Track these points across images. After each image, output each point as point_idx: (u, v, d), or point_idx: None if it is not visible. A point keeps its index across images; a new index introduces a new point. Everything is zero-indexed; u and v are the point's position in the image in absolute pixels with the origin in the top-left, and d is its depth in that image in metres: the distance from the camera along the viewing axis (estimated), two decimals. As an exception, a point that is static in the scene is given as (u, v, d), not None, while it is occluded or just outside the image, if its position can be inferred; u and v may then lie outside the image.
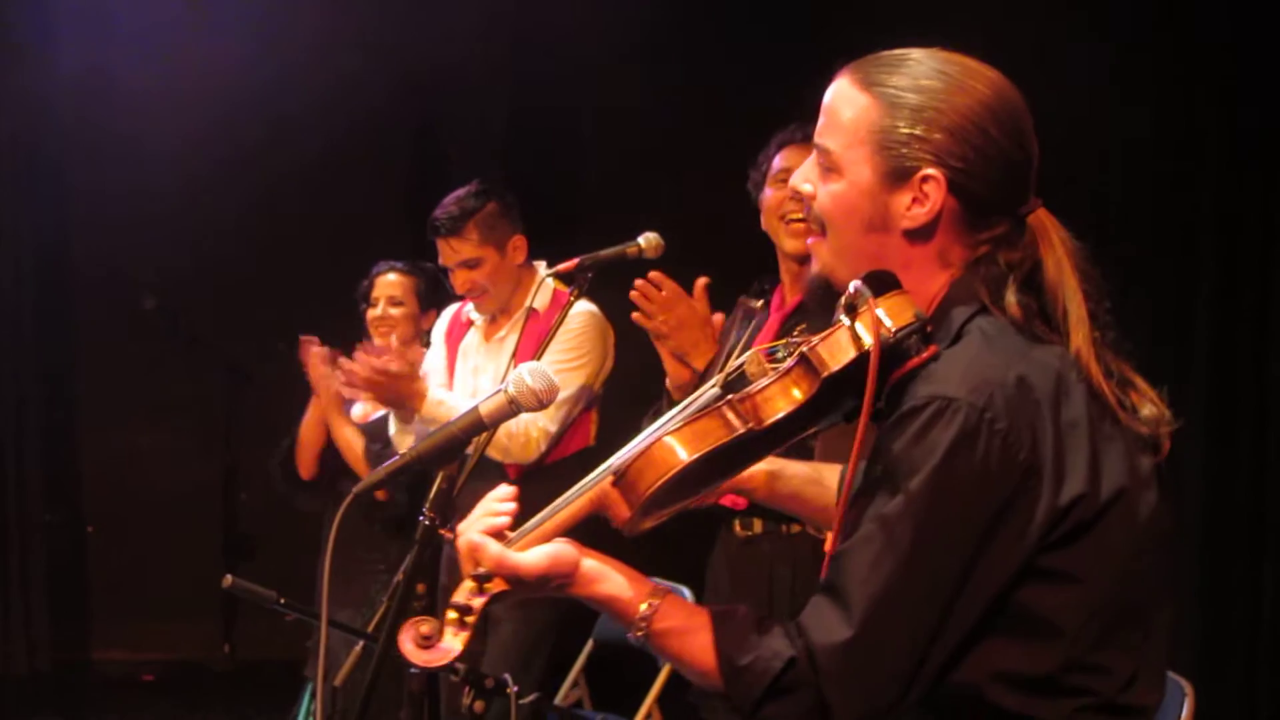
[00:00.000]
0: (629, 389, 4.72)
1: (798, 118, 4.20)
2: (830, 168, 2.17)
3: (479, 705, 3.02)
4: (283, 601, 3.08)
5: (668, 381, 4.12)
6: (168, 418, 8.59)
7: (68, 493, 8.76)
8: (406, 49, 7.91)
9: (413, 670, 3.54)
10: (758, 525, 4.18)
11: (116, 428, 8.64)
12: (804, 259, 4.05)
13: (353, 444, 5.30)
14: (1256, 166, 5.82)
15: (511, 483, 4.72)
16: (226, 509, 8.68)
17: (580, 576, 2.13)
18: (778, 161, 4.22)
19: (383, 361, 4.48)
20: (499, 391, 2.40)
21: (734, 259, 4.46)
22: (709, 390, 2.24)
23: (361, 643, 3.43)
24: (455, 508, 2.66)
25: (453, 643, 2.11)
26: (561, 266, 4.05)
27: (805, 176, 2.23)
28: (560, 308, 4.27)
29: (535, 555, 2.13)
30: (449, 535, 2.45)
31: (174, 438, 8.62)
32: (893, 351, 2.05)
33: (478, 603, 2.12)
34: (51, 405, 8.60)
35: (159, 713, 7.80)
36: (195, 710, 7.87)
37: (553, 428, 4.64)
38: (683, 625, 2.09)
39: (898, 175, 2.11)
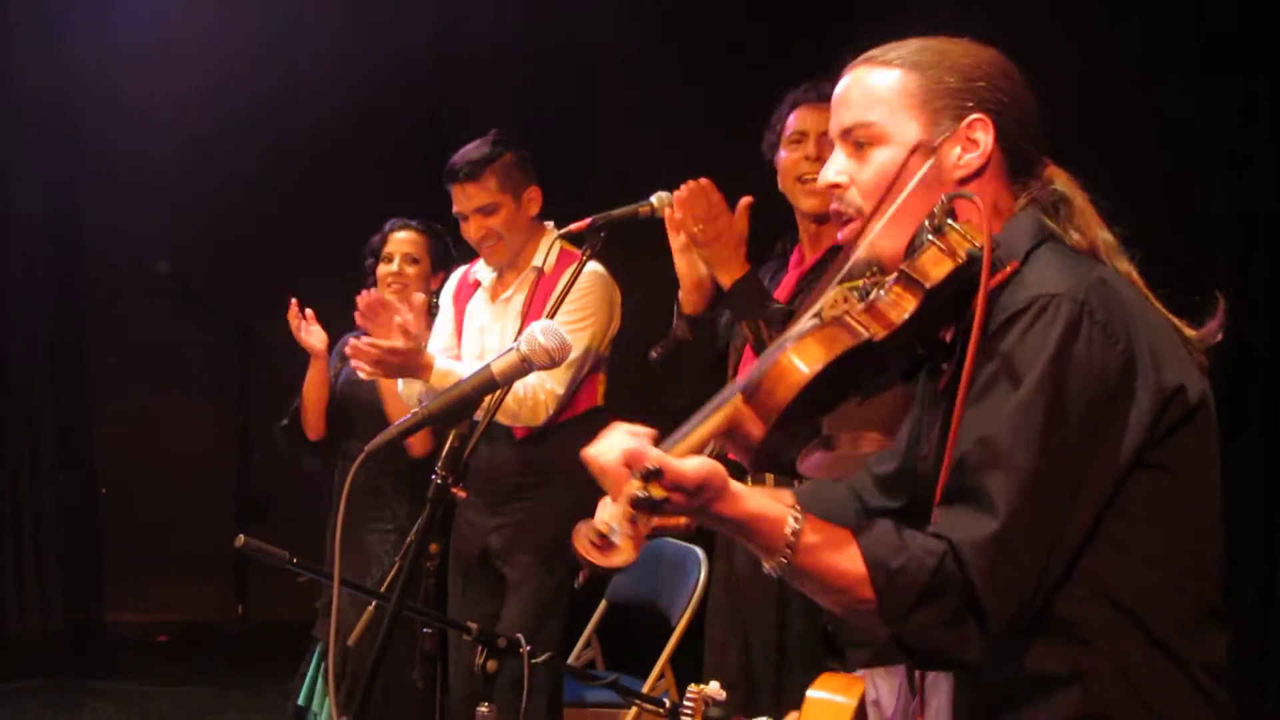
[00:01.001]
0: (637, 349, 4.70)
1: (810, 76, 4.18)
2: (870, 140, 2.21)
3: (492, 665, 3.02)
4: (295, 561, 3.06)
5: (680, 298, 4.06)
6: (180, 380, 8.61)
7: (81, 455, 8.79)
8: (417, 17, 7.93)
9: (425, 630, 3.56)
10: (769, 481, 4.20)
11: (129, 391, 8.66)
12: (821, 218, 4.04)
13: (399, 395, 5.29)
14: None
15: (518, 443, 4.77)
16: (239, 471, 8.71)
17: (731, 492, 2.07)
18: (792, 122, 4.19)
19: (390, 343, 4.48)
20: (511, 350, 2.39)
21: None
22: (806, 322, 2.19)
23: (374, 603, 3.42)
24: (467, 467, 2.66)
25: (629, 545, 1.99)
26: (573, 226, 4.03)
27: (835, 169, 2.26)
28: (567, 268, 4.26)
29: (695, 465, 2.03)
30: (461, 494, 2.45)
31: (186, 400, 8.64)
32: (977, 264, 2.07)
33: (650, 499, 1.99)
34: (64, 368, 8.62)
35: (172, 673, 7.82)
36: (208, 671, 7.89)
37: (560, 390, 4.63)
38: (829, 538, 2.07)
39: (945, 127, 2.17)
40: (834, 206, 2.27)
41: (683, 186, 3.91)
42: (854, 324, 2.09)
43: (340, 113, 7.96)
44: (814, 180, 3.91)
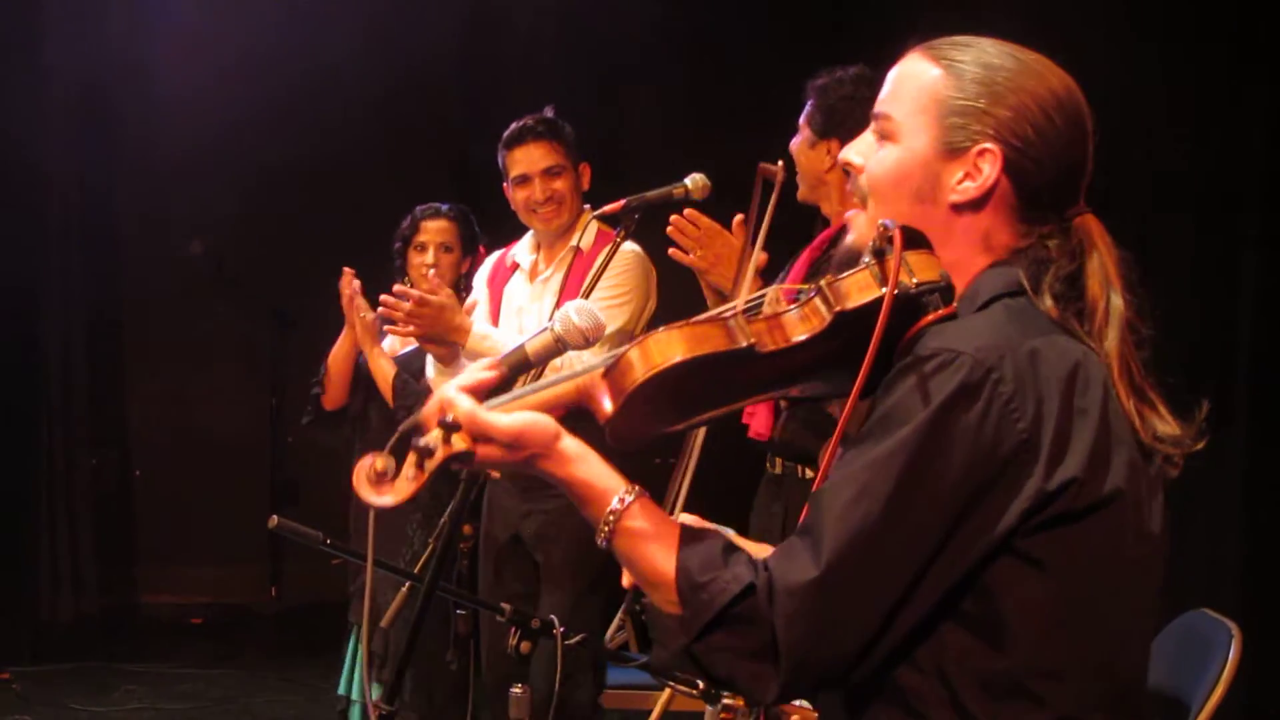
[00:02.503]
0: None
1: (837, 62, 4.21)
2: (886, 134, 2.12)
3: (525, 646, 3.01)
4: (329, 542, 3.06)
5: None
6: (213, 362, 8.64)
7: (114, 437, 8.82)
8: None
9: (459, 612, 3.55)
10: (779, 464, 4.23)
11: (163, 372, 8.69)
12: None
13: (385, 373, 5.31)
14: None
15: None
16: (273, 453, 8.73)
17: (558, 451, 2.01)
18: None
19: (424, 294, 4.46)
20: (545, 330, 2.37)
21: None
22: (724, 309, 2.16)
23: (407, 584, 3.41)
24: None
25: (405, 486, 1.95)
26: (608, 208, 4.04)
27: (857, 149, 2.18)
28: (604, 248, 4.26)
29: (510, 417, 1.99)
30: (495, 474, 2.44)
31: (220, 382, 8.68)
32: (910, 304, 1.99)
33: (440, 452, 1.95)
34: (99, 351, 8.65)
35: (205, 656, 7.85)
36: (241, 653, 7.91)
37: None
38: (652, 529, 1.99)
39: (954, 147, 2.06)
40: (849, 186, 2.23)
41: (671, 220, 4.01)
42: (737, 329, 2.00)
43: (374, 92, 7.97)
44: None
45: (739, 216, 4.00)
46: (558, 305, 4.23)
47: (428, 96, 8.24)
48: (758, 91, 4.94)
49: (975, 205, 2.06)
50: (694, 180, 3.93)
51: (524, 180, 4.80)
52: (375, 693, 4.19)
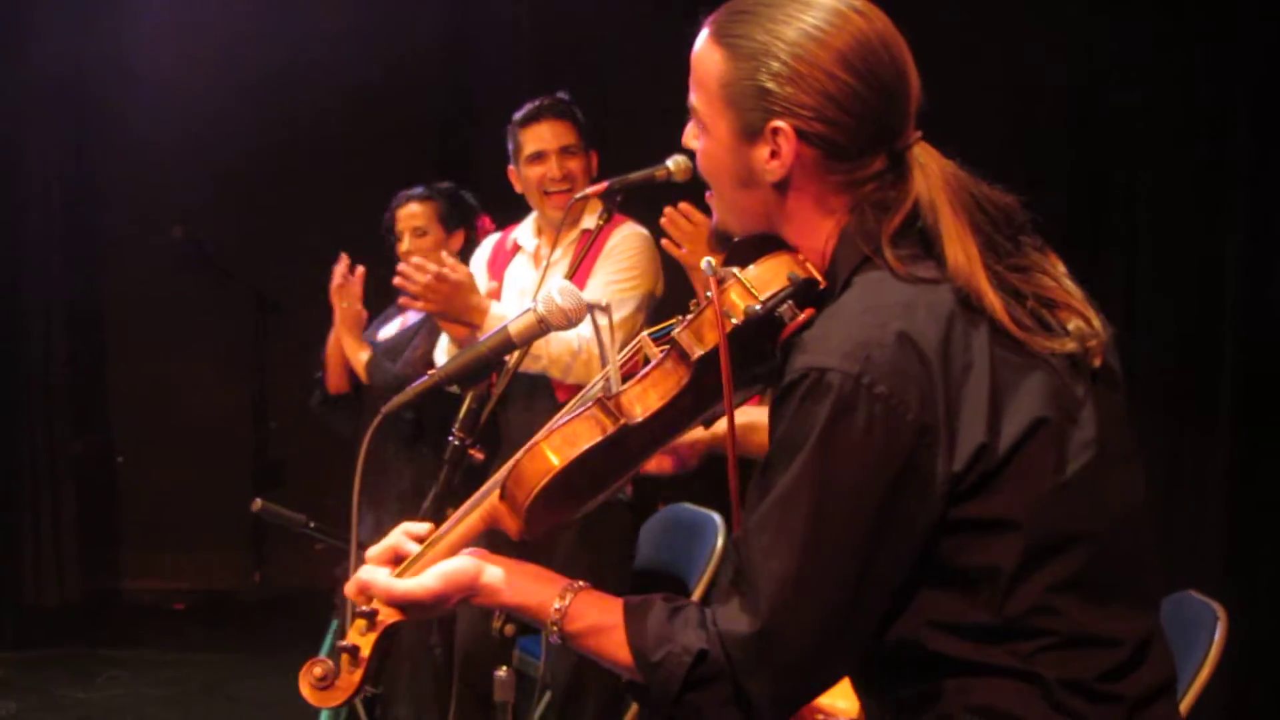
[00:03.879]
0: (659, 314, 4.68)
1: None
2: (699, 125, 2.13)
3: (509, 629, 3.00)
4: (312, 525, 3.05)
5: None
6: (196, 347, 8.61)
7: (97, 423, 8.79)
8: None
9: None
10: None
11: (145, 358, 8.66)
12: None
13: (359, 359, 5.32)
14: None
15: (560, 404, 4.73)
16: (256, 438, 8.72)
17: (483, 587, 2.09)
18: None
19: (441, 269, 4.42)
20: (528, 310, 2.35)
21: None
22: (596, 382, 2.19)
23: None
24: (504, 430, 2.62)
25: (349, 680, 2.08)
26: (590, 190, 4.02)
27: (689, 133, 2.17)
28: (613, 231, 4.50)
29: (427, 576, 2.10)
30: (479, 455, 2.43)
31: (203, 367, 8.65)
32: (767, 321, 1.99)
33: (367, 642, 2.07)
34: (80, 335, 8.61)
35: (189, 642, 7.83)
36: (226, 639, 7.90)
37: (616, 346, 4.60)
38: (595, 624, 2.03)
39: (750, 130, 2.05)
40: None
41: (665, 212, 4.01)
42: (603, 415, 2.05)
43: (356, 77, 7.93)
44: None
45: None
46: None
47: (412, 80, 8.20)
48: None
49: (792, 179, 2.05)
50: (676, 162, 3.91)
51: (539, 157, 4.78)
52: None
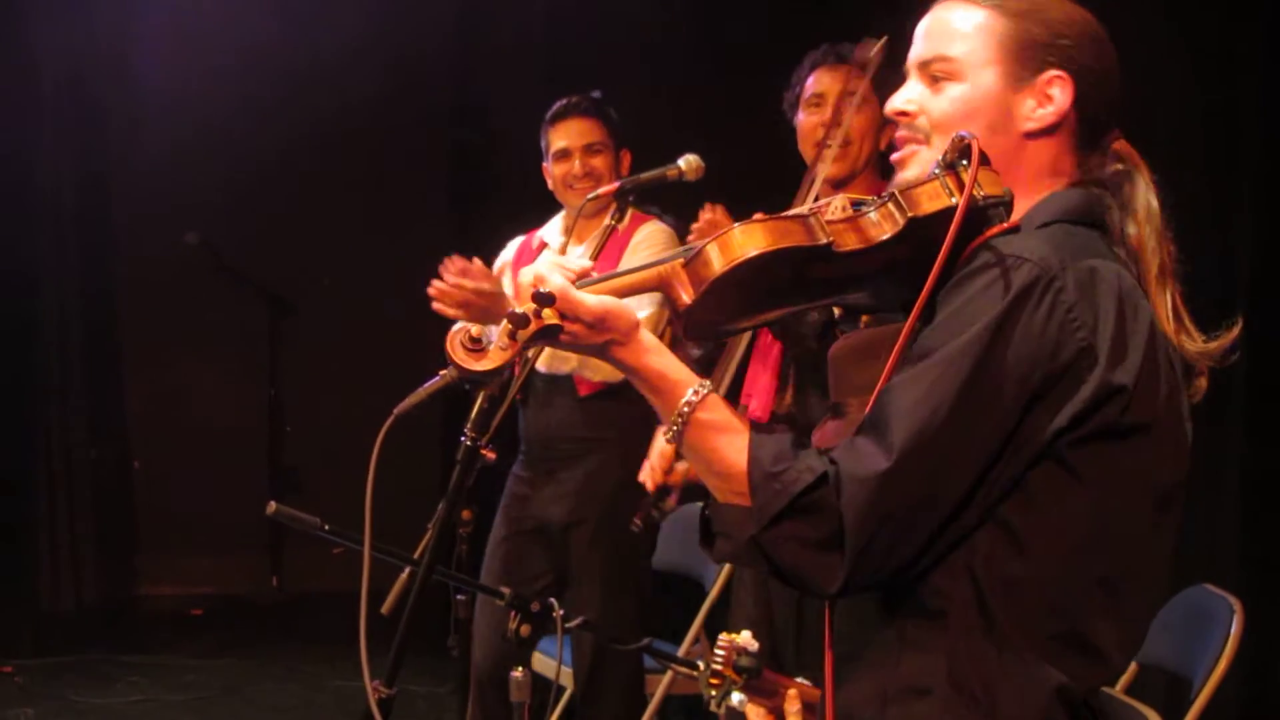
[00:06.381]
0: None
1: (829, 36, 4.18)
2: (946, 75, 2.18)
3: (525, 629, 3.01)
4: (327, 528, 3.05)
5: None
6: (212, 352, 8.63)
7: (113, 429, 8.80)
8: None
9: (459, 597, 3.54)
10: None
11: (161, 363, 8.68)
12: (840, 183, 4.04)
13: None
14: None
15: (583, 401, 4.75)
16: (272, 443, 8.73)
17: (636, 340, 2.07)
18: (810, 84, 4.21)
19: (477, 283, 4.43)
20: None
21: (772, 181, 4.41)
22: (797, 210, 2.16)
23: (407, 569, 3.40)
24: (521, 429, 2.61)
25: (498, 355, 2.01)
26: (602, 190, 4.06)
27: (904, 96, 2.23)
28: (638, 228, 4.61)
29: (598, 299, 2.05)
30: (490, 455, 2.43)
31: (218, 372, 8.67)
32: (976, 216, 2.02)
33: (532, 323, 2.00)
34: (96, 341, 8.62)
35: (208, 647, 7.83)
36: (243, 644, 7.90)
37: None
38: (724, 421, 2.04)
39: (1023, 78, 2.15)
40: (901, 134, 2.25)
41: (700, 215, 4.02)
42: (816, 226, 2.05)
43: (367, 83, 7.94)
44: (832, 146, 3.94)
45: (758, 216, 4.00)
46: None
47: (422, 85, 8.21)
48: (755, 81, 4.90)
49: (1047, 132, 2.15)
50: (687, 161, 3.92)
51: (564, 155, 4.81)
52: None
